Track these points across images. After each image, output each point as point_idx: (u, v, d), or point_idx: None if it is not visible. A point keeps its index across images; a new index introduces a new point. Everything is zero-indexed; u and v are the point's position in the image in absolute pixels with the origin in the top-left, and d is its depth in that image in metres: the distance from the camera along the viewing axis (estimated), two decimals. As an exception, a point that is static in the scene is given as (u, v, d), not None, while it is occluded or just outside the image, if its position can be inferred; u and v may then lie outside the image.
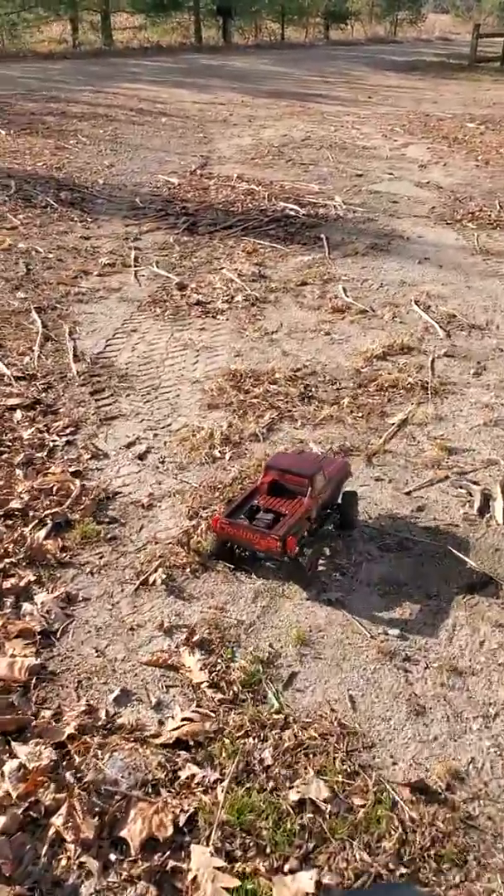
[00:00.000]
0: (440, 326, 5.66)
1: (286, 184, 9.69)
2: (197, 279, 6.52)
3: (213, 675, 2.66)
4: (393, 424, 4.32)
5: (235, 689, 2.60)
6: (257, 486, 3.11)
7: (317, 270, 6.76)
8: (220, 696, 2.57)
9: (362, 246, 7.44)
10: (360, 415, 4.43)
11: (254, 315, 5.82)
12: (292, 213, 8.44)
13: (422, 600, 3.04)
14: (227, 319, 5.75)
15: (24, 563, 3.18)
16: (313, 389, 4.69)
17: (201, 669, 2.67)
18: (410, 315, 5.87)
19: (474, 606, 3.03)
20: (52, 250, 6.97)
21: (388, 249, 7.42)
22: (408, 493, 3.73)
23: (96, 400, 4.55)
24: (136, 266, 6.72)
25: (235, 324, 5.67)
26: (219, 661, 2.72)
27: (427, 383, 4.78)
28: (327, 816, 2.20)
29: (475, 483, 3.82)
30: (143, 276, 6.54)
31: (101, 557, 3.26)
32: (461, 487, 3.80)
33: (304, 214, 8.39)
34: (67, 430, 4.19)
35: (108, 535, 3.38)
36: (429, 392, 4.69)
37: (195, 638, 2.81)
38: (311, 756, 2.37)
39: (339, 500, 3.24)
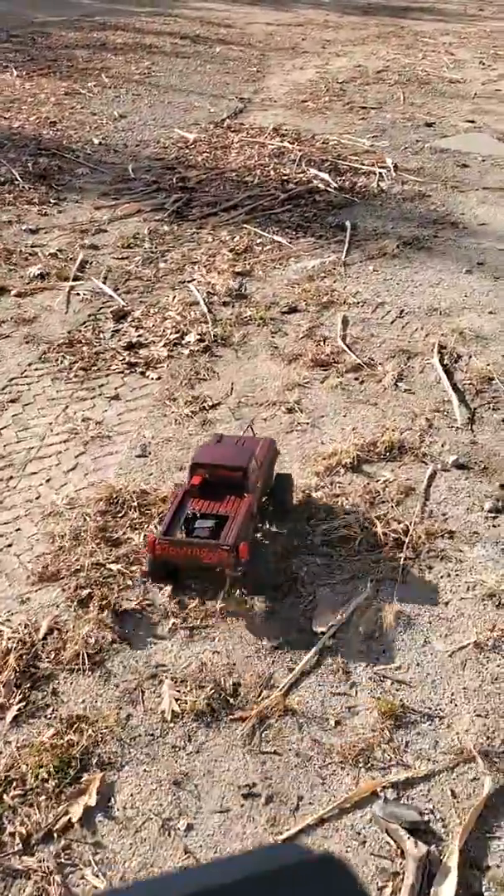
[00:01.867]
0: (463, 402, 3.78)
1: (331, 138, 7.66)
2: (149, 300, 4.80)
3: None
4: (311, 651, 2.58)
5: None
6: (186, 488, 2.71)
7: (318, 286, 4.90)
8: None
9: (396, 241, 5.47)
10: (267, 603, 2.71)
11: (199, 370, 4.10)
12: (321, 185, 6.47)
13: None
14: (159, 378, 4.05)
15: None
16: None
17: None
18: (424, 377, 3.99)
19: None
20: (-25, 252, 5.37)
21: (430, 247, 5.43)
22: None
23: None
24: (76, 279, 5.03)
25: (166, 387, 3.96)
26: None
27: (408, 532, 2.98)
28: None
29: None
30: (80, 295, 4.87)
31: None
32: None
33: (335, 188, 6.43)
34: None
35: None
36: (402, 555, 2.88)
37: None
38: None
39: (273, 484, 2.91)
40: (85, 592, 2.73)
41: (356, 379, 3.99)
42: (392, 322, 4.52)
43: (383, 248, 5.37)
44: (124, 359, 4.19)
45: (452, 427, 3.60)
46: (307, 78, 10.22)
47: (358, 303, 4.72)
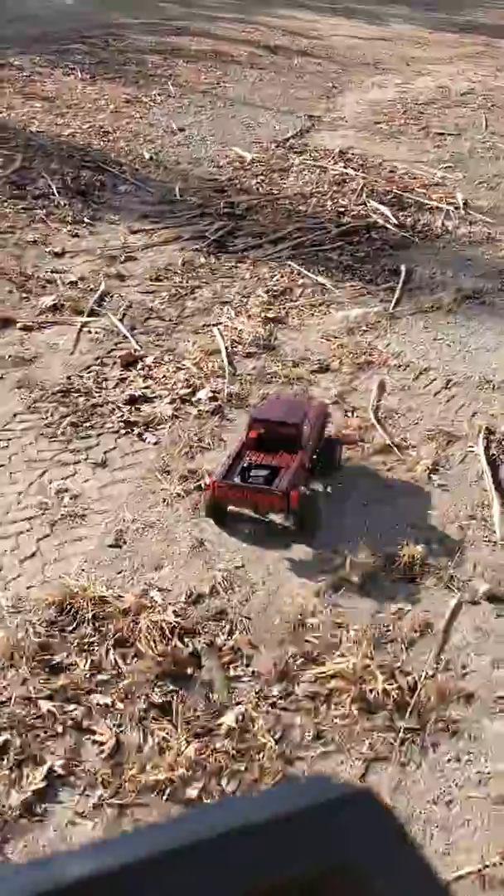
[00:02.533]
0: (506, 508, 3.15)
1: (400, 166, 7.05)
2: (166, 344, 4.28)
3: None
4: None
5: None
6: (244, 441, 3.01)
7: (357, 341, 4.32)
8: None
9: (453, 293, 4.85)
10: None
11: (204, 436, 3.56)
12: (380, 221, 5.87)
13: None
14: (157, 443, 3.53)
15: None
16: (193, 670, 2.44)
17: None
18: (465, 469, 3.38)
19: None
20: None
21: (493, 303, 4.79)
22: None
23: None
24: (91, 314, 4.55)
25: (163, 455, 3.43)
26: None
27: (415, 690, 2.37)
28: None
29: None
30: (92, 333, 4.38)
31: None
32: None
33: (394, 225, 5.81)
34: None
35: None
36: (402, 725, 2.28)
37: None
38: None
39: (322, 445, 3.13)
40: (2, 738, 2.21)
41: (383, 464, 3.39)
42: (436, 394, 3.91)
43: (438, 302, 4.75)
44: (123, 416, 3.68)
45: (489, 542, 2.98)
46: (385, 97, 9.60)
47: (400, 366, 4.12)
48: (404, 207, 6.20)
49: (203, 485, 3.05)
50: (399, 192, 6.44)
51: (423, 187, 6.60)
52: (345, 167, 6.95)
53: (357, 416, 3.67)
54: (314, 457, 3.04)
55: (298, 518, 2.85)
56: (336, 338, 4.37)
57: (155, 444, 3.50)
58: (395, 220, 5.90)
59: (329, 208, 6.18)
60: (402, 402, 3.83)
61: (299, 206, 6.21)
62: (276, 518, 2.89)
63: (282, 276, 5.08)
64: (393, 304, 4.75)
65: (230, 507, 2.90)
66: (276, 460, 2.87)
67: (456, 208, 6.19)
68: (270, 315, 4.59)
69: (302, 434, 2.91)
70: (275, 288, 4.92)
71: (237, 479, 2.82)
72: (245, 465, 2.86)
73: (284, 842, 0.36)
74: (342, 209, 6.13)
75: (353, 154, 7.33)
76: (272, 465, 2.84)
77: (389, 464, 3.39)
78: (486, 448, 3.46)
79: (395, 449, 3.47)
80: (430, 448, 3.49)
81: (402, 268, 5.20)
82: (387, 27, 14.55)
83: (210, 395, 3.85)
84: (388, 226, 5.82)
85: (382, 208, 6.07)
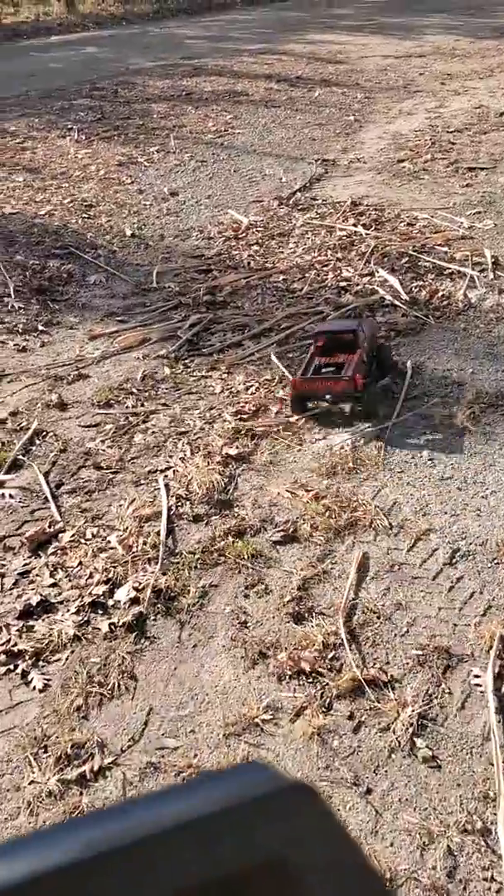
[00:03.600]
0: (522, 809, 2.09)
1: (420, 216, 6.02)
2: (95, 509, 3.38)
3: None
4: None
5: None
6: (312, 352, 3.77)
7: (339, 489, 3.32)
8: None
9: (471, 400, 3.79)
10: None
11: (110, 673, 2.64)
12: (389, 297, 4.86)
13: None
14: (45, 689, 2.62)
15: None
16: None
17: None
18: (465, 719, 2.34)
19: None
20: None
21: (523, 414, 3.70)
22: None
23: None
24: (11, 467, 3.68)
25: (46, 713, 2.52)
26: None
27: None
28: None
29: None
30: (7, 496, 3.50)
31: None
32: None
33: (405, 301, 4.78)
34: None
35: None
36: None
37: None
38: None
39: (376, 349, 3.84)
40: None
41: (349, 718, 2.38)
42: (436, 575, 2.87)
43: (450, 416, 3.69)
44: (9, 640, 2.76)
45: (489, 880, 1.94)
46: (412, 127, 8.55)
47: (390, 528, 3.09)
48: (420, 274, 5.17)
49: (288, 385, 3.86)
50: (415, 254, 5.40)
51: (446, 243, 5.54)
52: (355, 224, 5.96)
53: (322, 629, 2.65)
54: (372, 355, 3.77)
55: (363, 403, 3.64)
56: (311, 485, 3.37)
57: (42, 690, 2.58)
58: (405, 296, 4.86)
59: (329, 282, 5.19)
60: (388, 594, 2.80)
61: (294, 283, 5.25)
62: (346, 408, 3.71)
63: (258, 388, 4.12)
64: (393, 418, 3.72)
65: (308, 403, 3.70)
66: (340, 360, 3.61)
67: (482, 270, 5.11)
68: (233, 451, 3.62)
69: (358, 337, 3.66)
70: (246, 407, 3.96)
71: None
72: (316, 365, 3.67)
73: (213, 837, 0.34)
74: (345, 283, 5.14)
75: (366, 205, 6.33)
76: (338, 362, 3.61)
77: (360, 715, 2.37)
78: (497, 680, 2.40)
79: (371, 687, 2.45)
80: (420, 681, 2.45)
81: (409, 364, 4.16)
82: (422, 40, 13.52)
83: (132, 594, 2.91)
84: (398, 303, 4.78)
85: (392, 279, 5.05)
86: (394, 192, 6.63)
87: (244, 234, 6.07)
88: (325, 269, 5.39)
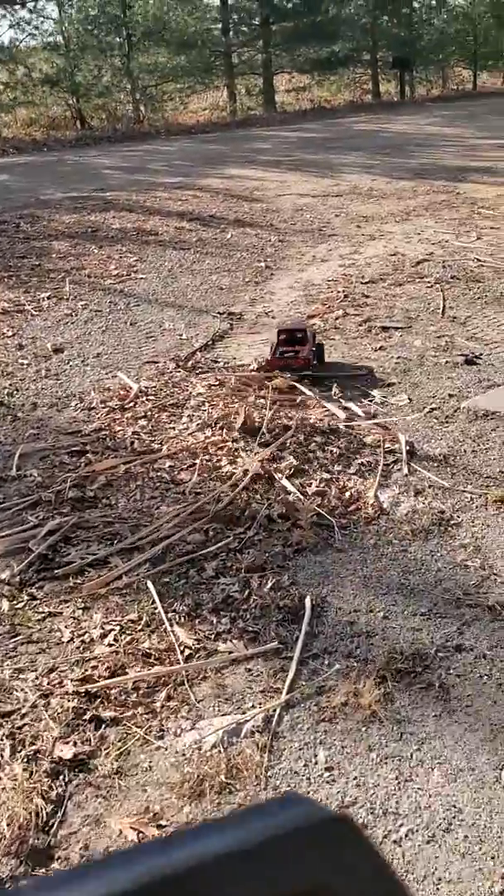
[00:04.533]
0: None
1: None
2: None
3: None
4: None
5: None
6: (278, 341, 5.60)
7: (204, 820, 2.38)
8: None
9: (383, 663, 2.98)
10: None
11: None
12: (280, 506, 4.10)
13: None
14: None
15: None
16: None
17: None
18: None
19: None
20: None
21: (449, 687, 2.92)
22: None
23: None
24: None
25: None
26: None
27: None
28: None
29: None
30: None
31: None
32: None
33: (310, 512, 4.03)
34: None
35: None
36: None
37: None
38: None
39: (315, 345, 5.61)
40: None
41: None
42: None
43: (355, 694, 2.86)
44: None
45: None
46: (325, 276, 8.10)
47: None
48: (325, 464, 4.44)
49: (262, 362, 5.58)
50: (322, 438, 4.71)
51: (356, 426, 4.87)
52: (255, 396, 5.26)
53: None
54: (313, 349, 5.54)
55: (311, 374, 5.43)
56: (166, 816, 2.46)
57: None
58: (302, 499, 4.12)
59: (222, 471, 4.43)
60: None
61: (181, 472, 4.47)
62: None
63: (119, 635, 3.25)
64: (284, 693, 2.87)
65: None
66: (297, 347, 5.51)
67: (396, 461, 4.43)
68: (69, 752, 2.71)
69: (306, 335, 5.60)
70: (98, 672, 3.07)
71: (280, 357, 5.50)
72: (281, 350, 5.53)
73: (263, 865, 0.38)
74: (240, 477, 4.38)
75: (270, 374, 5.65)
76: (295, 349, 5.50)
77: None
78: None
79: None
80: None
81: (307, 602, 3.36)
82: (340, 178, 13.49)
83: None
84: (298, 518, 4.02)
85: (287, 483, 4.30)
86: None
87: (132, 404, 5.32)
88: (217, 452, 4.64)
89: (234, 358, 6.06)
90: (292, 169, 14.93)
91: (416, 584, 3.48)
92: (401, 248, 9.01)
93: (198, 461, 4.59)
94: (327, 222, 10.57)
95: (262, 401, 5.23)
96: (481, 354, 5.85)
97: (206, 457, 4.65)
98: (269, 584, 3.51)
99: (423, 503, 4.05)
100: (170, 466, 4.58)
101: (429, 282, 7.68)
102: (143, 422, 5.13)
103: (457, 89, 36.12)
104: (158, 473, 4.51)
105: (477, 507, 4.01)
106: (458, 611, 3.30)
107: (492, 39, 34.73)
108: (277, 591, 3.46)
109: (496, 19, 34.08)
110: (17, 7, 22.10)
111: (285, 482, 4.28)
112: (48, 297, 7.38)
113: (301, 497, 4.13)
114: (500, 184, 12.71)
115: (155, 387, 5.61)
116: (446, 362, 5.72)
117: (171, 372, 5.83)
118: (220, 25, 29.58)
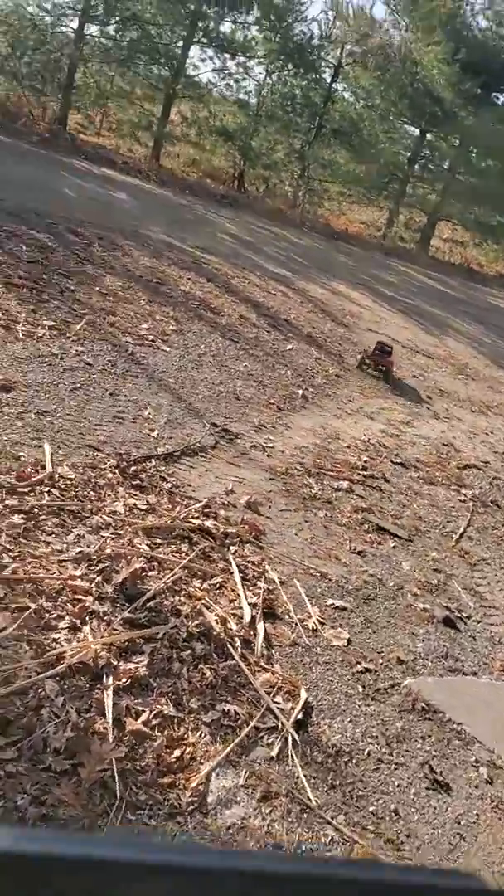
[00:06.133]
0: None
1: (285, 587, 4.12)
2: None
3: None
4: None
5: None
6: (375, 347, 8.79)
7: None
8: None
9: None
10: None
11: None
12: (65, 731, 2.81)
13: None
14: None
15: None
16: None
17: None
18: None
19: None
20: None
21: None
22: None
23: None
24: None
25: None
26: None
27: None
28: None
29: None
30: None
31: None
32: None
33: (60, 748, 2.73)
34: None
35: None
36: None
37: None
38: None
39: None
40: None
41: None
42: None
43: None
44: None
45: None
46: (358, 435, 6.94)
47: None
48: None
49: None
50: (198, 652, 3.43)
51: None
52: (178, 549, 4.04)
53: None
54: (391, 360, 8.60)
55: (385, 375, 8.72)
56: None
57: None
58: (108, 735, 2.83)
59: (48, 639, 3.18)
60: None
61: None
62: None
63: None
64: None
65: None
66: (386, 354, 8.69)
67: (278, 729, 3.13)
68: None
69: (391, 348, 8.78)
70: None
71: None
72: (374, 351, 8.70)
73: None
74: (59, 656, 3.12)
75: (224, 528, 4.46)
76: (385, 352, 8.72)
77: None
78: None
79: None
80: None
81: None
82: (443, 341, 12.42)
83: None
84: (81, 763, 2.73)
85: (109, 700, 3.03)
86: (275, 522, 4.79)
87: (28, 490, 4.14)
88: (68, 605, 3.41)
89: (190, 487, 4.87)
90: (402, 311, 13.99)
91: None
92: (457, 442, 7.81)
93: (32, 606, 3.36)
94: (400, 378, 9.46)
95: (174, 557, 4.01)
96: (469, 618, 4.54)
97: (49, 604, 3.42)
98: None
99: (262, 822, 2.72)
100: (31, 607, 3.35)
101: (464, 495, 6.44)
102: (18, 519, 3.93)
103: None
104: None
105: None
106: None
107: None
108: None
109: None
110: (227, 56, 22.12)
111: (108, 697, 3.00)
112: (50, 327, 6.34)
113: (108, 729, 2.84)
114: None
115: (72, 479, 4.44)
116: (423, 609, 4.43)
117: (103, 469, 4.66)
118: (409, 154, 29.49)
